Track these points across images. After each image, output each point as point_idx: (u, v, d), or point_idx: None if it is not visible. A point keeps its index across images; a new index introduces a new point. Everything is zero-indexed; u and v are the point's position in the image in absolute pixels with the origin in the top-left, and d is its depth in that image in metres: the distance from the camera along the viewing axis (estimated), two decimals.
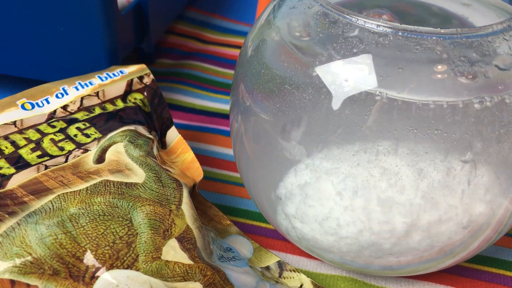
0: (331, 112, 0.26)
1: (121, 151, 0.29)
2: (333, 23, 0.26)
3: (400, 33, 0.25)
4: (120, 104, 0.36)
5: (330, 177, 0.27)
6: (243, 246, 0.30)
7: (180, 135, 0.34)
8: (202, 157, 0.41)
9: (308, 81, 0.26)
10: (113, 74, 0.37)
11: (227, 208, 0.36)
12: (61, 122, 0.33)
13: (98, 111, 0.34)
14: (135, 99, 0.36)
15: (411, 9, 0.33)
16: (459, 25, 0.32)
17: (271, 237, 0.34)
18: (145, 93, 0.37)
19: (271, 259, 0.31)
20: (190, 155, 0.33)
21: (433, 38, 0.24)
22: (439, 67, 0.24)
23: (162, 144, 0.35)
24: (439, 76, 0.24)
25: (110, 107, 0.35)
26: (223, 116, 0.46)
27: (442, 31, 0.24)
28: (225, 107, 0.48)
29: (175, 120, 0.45)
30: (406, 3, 0.34)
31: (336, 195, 0.27)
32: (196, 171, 0.32)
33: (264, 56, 0.29)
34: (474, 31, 0.25)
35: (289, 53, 0.27)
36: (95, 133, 0.32)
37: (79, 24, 0.39)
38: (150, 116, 0.36)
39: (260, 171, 0.31)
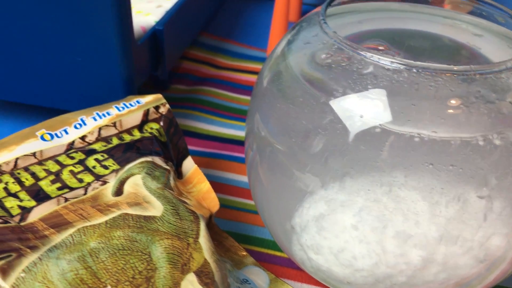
0: (347, 146, 0.26)
1: (139, 183, 0.30)
2: (348, 59, 0.27)
3: (414, 70, 0.25)
4: (137, 134, 0.36)
5: (345, 210, 0.27)
6: (259, 277, 0.31)
7: (196, 166, 0.35)
8: (217, 184, 0.42)
9: (324, 116, 0.26)
10: (130, 104, 0.38)
11: (242, 237, 0.36)
12: (79, 153, 0.33)
13: (115, 141, 0.35)
14: (151, 128, 0.37)
15: (421, 40, 0.34)
16: (469, 56, 0.33)
17: (287, 266, 0.34)
18: (161, 123, 0.38)
19: None
20: (206, 185, 0.34)
21: (447, 75, 0.25)
22: (453, 103, 0.25)
23: (178, 174, 0.35)
24: (454, 112, 0.25)
25: (127, 137, 0.36)
26: (237, 143, 0.47)
27: (455, 68, 0.25)
28: (239, 133, 0.48)
29: (189, 147, 0.46)
30: (416, 34, 0.34)
31: (351, 227, 0.27)
32: (212, 202, 0.33)
33: (279, 90, 0.30)
34: (488, 67, 0.25)
35: (304, 88, 0.28)
36: (113, 164, 0.32)
37: (97, 55, 0.40)
38: (166, 146, 0.36)
39: (275, 201, 0.31)
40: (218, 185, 0.42)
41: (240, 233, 0.37)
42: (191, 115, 0.50)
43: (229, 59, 0.60)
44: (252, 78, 0.57)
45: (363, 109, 0.26)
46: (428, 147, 0.25)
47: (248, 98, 0.53)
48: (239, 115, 0.51)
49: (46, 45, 0.41)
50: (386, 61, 0.26)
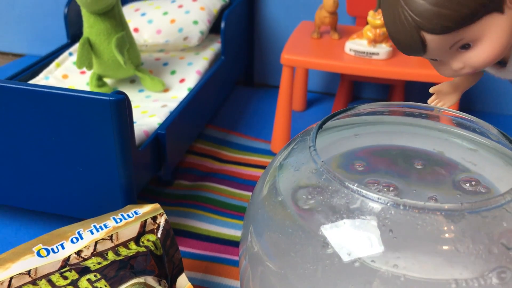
0: (337, 280, 0.25)
1: None
2: (335, 192, 0.27)
3: (401, 207, 0.25)
4: (133, 247, 0.36)
5: None
6: None
7: (190, 283, 0.34)
8: None
9: (312, 251, 0.26)
10: (128, 216, 0.38)
11: None
12: (73, 272, 0.33)
13: (111, 256, 0.35)
14: (148, 241, 0.37)
15: (414, 157, 0.34)
16: (465, 173, 0.32)
17: None
18: (158, 235, 0.38)
19: None
20: None
21: (436, 213, 0.25)
22: (441, 242, 0.24)
23: None
24: (442, 251, 0.24)
25: (123, 252, 0.36)
26: (238, 245, 0.46)
27: (445, 207, 0.24)
28: (239, 233, 0.48)
29: (188, 250, 0.45)
30: (408, 151, 0.34)
31: None
32: None
33: (271, 212, 0.30)
34: (478, 206, 0.25)
35: (293, 218, 0.28)
36: (105, 286, 0.32)
37: (97, 166, 0.41)
38: (161, 260, 0.36)
39: None
40: None
41: None
42: (192, 214, 0.50)
43: (233, 151, 0.61)
44: (255, 172, 0.57)
45: (350, 246, 0.25)
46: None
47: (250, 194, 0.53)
48: (241, 213, 0.50)
49: (48, 155, 0.42)
50: (373, 196, 0.25)
